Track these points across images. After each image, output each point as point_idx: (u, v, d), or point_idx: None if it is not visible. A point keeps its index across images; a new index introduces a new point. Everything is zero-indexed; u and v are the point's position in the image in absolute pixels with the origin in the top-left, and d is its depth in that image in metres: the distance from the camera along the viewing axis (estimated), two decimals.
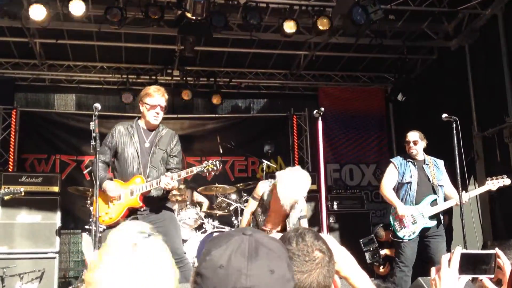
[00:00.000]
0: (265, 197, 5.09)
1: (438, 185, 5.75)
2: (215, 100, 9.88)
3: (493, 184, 5.69)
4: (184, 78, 9.75)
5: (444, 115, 5.28)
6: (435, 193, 5.71)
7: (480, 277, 1.72)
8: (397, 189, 5.86)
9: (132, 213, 4.73)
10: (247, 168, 9.95)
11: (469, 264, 1.70)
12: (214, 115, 10.30)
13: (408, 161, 5.86)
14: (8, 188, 5.48)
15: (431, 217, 5.67)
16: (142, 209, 4.71)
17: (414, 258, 5.71)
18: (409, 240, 5.67)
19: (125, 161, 4.76)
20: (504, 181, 5.67)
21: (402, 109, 10.05)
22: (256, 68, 10.10)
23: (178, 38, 8.42)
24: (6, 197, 5.56)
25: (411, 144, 5.83)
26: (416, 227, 5.65)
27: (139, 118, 4.92)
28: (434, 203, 5.70)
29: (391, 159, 6.08)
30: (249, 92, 10.60)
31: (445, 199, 5.77)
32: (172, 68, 9.65)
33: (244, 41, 8.61)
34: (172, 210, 5.06)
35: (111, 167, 4.89)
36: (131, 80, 9.64)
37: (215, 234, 6.93)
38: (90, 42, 8.74)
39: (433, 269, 1.81)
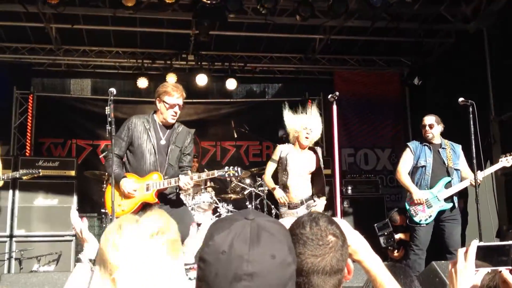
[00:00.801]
0: (283, 155, 5.64)
1: (454, 168, 5.72)
2: (230, 84, 9.87)
3: (507, 161, 5.62)
4: (199, 63, 9.75)
5: (461, 99, 5.23)
6: (449, 176, 5.69)
7: (499, 269, 1.69)
8: (412, 173, 5.84)
9: (144, 207, 4.77)
10: (262, 153, 9.96)
11: (487, 257, 1.68)
12: (228, 100, 10.30)
13: (424, 145, 5.83)
14: (28, 169, 5.52)
15: (446, 200, 5.63)
16: (157, 205, 4.75)
17: (428, 241, 5.70)
18: (426, 224, 5.64)
19: (141, 156, 4.77)
20: None
21: (418, 93, 9.95)
22: (271, 53, 10.06)
23: (193, 23, 8.40)
24: (24, 177, 5.62)
25: (427, 128, 5.80)
26: (432, 210, 5.63)
27: (155, 112, 4.91)
28: (448, 185, 5.67)
29: (407, 143, 6.05)
30: (264, 76, 10.56)
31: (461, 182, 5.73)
32: (187, 52, 9.64)
33: (259, 25, 8.56)
34: (184, 204, 5.12)
35: (124, 159, 4.91)
36: (146, 65, 9.66)
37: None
38: (105, 27, 8.76)
39: (449, 263, 1.80)
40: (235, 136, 8.42)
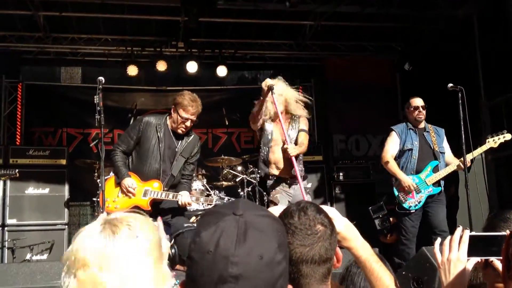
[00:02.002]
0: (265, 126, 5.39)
1: (440, 152, 5.73)
2: (221, 71, 9.82)
3: (493, 141, 5.59)
4: (189, 50, 9.69)
5: (450, 85, 5.19)
6: (436, 159, 5.69)
7: (491, 258, 1.70)
8: (398, 156, 5.81)
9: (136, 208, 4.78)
10: (253, 140, 9.95)
11: (479, 246, 1.70)
12: (220, 87, 10.26)
13: (409, 129, 5.83)
14: (4, 170, 5.52)
15: (434, 185, 5.63)
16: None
17: (416, 231, 5.69)
18: (415, 210, 5.62)
19: (146, 158, 4.77)
20: (504, 136, 5.56)
21: (409, 79, 9.96)
22: (262, 39, 10.01)
23: (182, 9, 8.34)
24: (2, 178, 5.61)
25: (420, 109, 5.80)
26: (421, 196, 5.63)
27: (169, 115, 4.90)
28: (436, 169, 5.67)
29: (391, 127, 5.98)
30: (255, 63, 10.53)
31: (446, 166, 5.71)
32: (176, 40, 9.58)
33: (249, 11, 8.51)
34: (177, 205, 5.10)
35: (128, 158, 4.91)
36: (135, 52, 9.59)
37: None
38: (94, 14, 8.67)
39: (437, 246, 1.82)
40: (227, 123, 8.41)
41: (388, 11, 8.34)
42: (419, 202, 5.64)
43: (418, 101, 5.87)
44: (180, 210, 4.93)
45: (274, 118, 5.43)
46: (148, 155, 4.76)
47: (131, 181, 4.71)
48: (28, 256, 7.12)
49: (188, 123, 4.79)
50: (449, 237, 1.77)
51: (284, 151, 5.18)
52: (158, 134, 4.78)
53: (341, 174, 8.57)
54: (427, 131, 5.83)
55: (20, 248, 7.18)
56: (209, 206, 4.97)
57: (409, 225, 5.66)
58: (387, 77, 10.39)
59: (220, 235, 1.15)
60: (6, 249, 7.24)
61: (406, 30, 9.34)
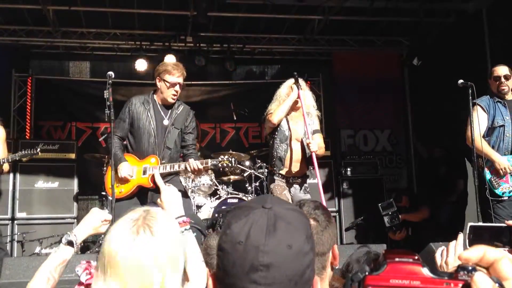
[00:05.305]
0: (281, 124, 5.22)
1: None
2: (229, 66, 9.83)
3: None
4: (198, 44, 9.70)
5: (460, 81, 5.04)
6: None
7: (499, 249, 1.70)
8: (487, 135, 5.08)
9: (141, 190, 4.80)
10: (261, 135, 9.97)
11: (485, 237, 1.69)
12: (227, 82, 10.27)
13: (497, 102, 5.12)
14: (26, 150, 5.51)
15: None
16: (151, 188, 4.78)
17: None
18: (508, 197, 4.92)
19: (140, 137, 4.78)
20: None
21: (418, 73, 9.92)
22: (270, 34, 10.00)
23: (191, 4, 8.34)
24: (24, 159, 5.60)
25: (502, 79, 5.10)
26: None
27: (155, 92, 4.90)
28: None
29: (475, 101, 5.06)
30: (263, 58, 10.52)
31: None
32: (185, 34, 9.59)
33: (257, 6, 8.51)
34: (181, 186, 5.14)
35: (126, 141, 4.93)
36: (144, 46, 9.61)
37: (230, 201, 7.02)
38: (103, 8, 8.70)
39: (439, 251, 1.84)
40: (235, 118, 8.41)
41: (397, 5, 8.30)
42: None
43: (500, 70, 5.12)
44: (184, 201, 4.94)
45: (289, 114, 5.32)
46: (141, 133, 4.77)
47: (124, 167, 4.71)
48: (37, 250, 7.19)
49: (177, 88, 4.74)
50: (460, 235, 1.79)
51: (307, 147, 5.09)
52: (148, 110, 4.77)
53: (348, 169, 8.56)
54: None
55: (29, 242, 7.26)
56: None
57: (504, 213, 4.83)
58: (396, 72, 10.35)
59: (251, 226, 1.19)
60: (16, 243, 7.32)
61: (415, 24, 9.28)
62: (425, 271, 0.86)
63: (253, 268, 1.16)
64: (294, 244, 1.19)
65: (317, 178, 4.93)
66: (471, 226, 1.71)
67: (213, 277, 1.27)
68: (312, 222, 1.58)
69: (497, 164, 4.88)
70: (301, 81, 5.32)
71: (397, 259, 0.87)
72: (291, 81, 5.28)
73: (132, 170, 4.73)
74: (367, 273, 0.86)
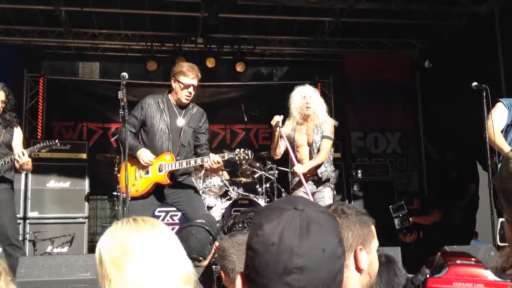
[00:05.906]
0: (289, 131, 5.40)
1: None
2: (239, 67, 9.84)
3: None
4: (208, 46, 9.71)
5: (474, 84, 5.02)
6: None
7: None
8: (505, 131, 5.01)
9: (158, 187, 4.81)
10: (271, 136, 9.95)
11: None
12: (238, 83, 10.28)
13: None
14: (43, 142, 5.51)
15: None
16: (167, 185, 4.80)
17: None
18: None
19: (154, 135, 4.80)
20: None
21: (429, 76, 9.88)
22: (280, 35, 10.00)
23: (201, 5, 8.36)
24: (43, 150, 5.59)
25: None
26: None
27: (169, 92, 4.93)
28: None
29: (497, 99, 5.11)
30: (273, 59, 10.51)
31: None
32: (196, 35, 9.61)
33: (268, 7, 8.52)
34: (194, 186, 5.16)
35: (139, 139, 4.94)
36: (155, 48, 9.63)
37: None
38: (114, 9, 8.74)
39: None
40: (245, 119, 8.42)
41: (408, 7, 8.28)
42: None
43: None
44: (195, 199, 4.95)
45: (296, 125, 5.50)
46: (155, 131, 4.79)
47: (145, 152, 4.72)
48: (49, 249, 7.23)
49: (191, 89, 4.78)
50: None
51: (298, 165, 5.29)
52: (162, 109, 4.81)
53: (359, 171, 8.55)
54: None
55: (41, 241, 7.29)
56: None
57: None
58: (407, 74, 10.30)
59: (283, 228, 1.18)
60: (28, 242, 7.35)
61: (426, 26, 9.26)
62: (489, 274, 0.85)
63: (287, 270, 1.15)
64: (327, 247, 1.18)
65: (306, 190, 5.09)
66: (502, 222, 1.70)
67: (242, 277, 1.26)
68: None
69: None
70: (312, 91, 5.62)
71: (458, 261, 0.86)
72: (275, 118, 5.30)
73: (153, 157, 4.74)
74: (428, 276, 0.85)
